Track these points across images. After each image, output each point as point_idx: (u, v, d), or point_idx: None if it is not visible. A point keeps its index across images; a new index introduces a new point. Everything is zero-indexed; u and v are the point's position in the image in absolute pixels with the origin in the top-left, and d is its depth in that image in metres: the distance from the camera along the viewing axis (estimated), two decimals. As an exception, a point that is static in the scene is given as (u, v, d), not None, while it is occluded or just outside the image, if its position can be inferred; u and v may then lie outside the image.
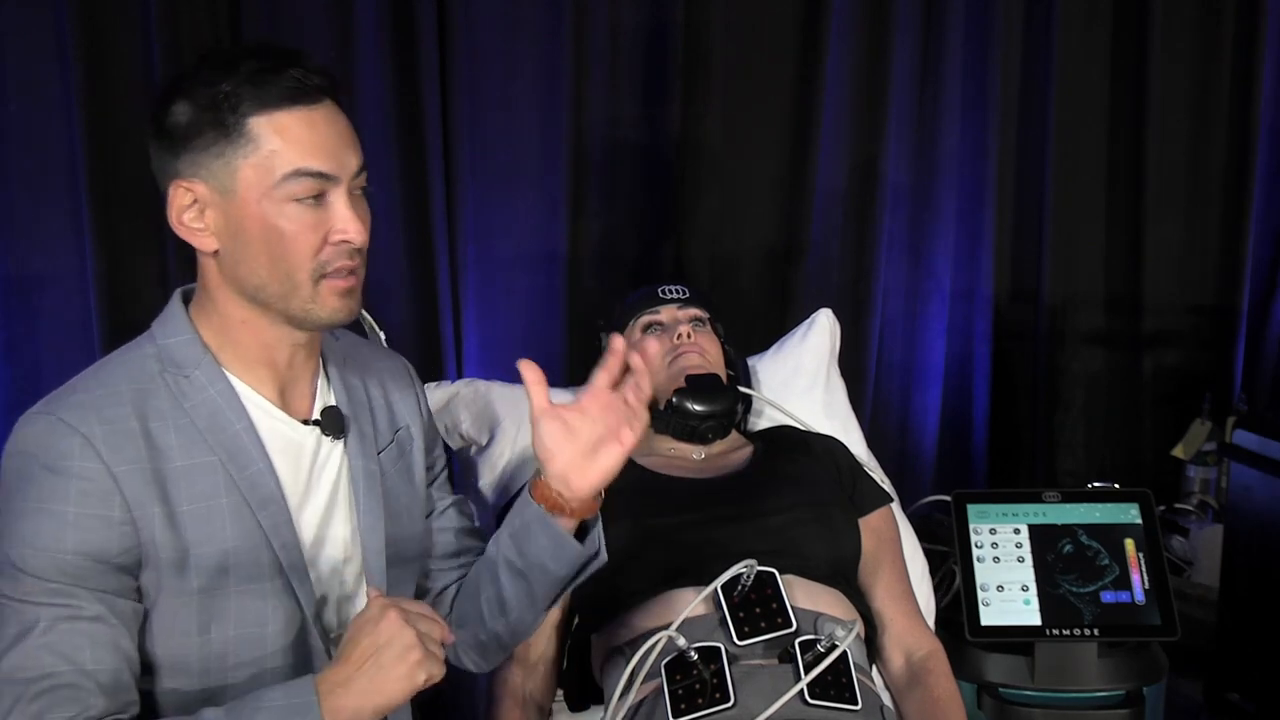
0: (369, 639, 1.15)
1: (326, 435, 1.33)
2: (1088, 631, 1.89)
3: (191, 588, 1.21)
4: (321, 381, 1.37)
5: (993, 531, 1.98)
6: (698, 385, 1.84)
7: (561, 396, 2.09)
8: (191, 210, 1.23)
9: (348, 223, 1.23)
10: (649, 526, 1.68)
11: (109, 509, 1.18)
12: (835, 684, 1.50)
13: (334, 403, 1.36)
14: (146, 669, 1.23)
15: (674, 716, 1.47)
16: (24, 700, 1.13)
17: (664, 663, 1.52)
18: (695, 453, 1.88)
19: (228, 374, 1.27)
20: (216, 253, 1.24)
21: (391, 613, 1.16)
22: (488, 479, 2.02)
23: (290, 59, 1.21)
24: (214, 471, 1.23)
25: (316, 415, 1.34)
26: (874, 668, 1.74)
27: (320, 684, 1.15)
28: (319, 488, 1.33)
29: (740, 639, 1.54)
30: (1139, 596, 1.92)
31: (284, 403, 1.31)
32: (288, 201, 1.21)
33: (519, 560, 1.38)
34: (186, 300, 1.32)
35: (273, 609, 1.26)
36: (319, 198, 1.22)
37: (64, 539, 1.16)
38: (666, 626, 1.54)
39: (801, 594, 1.62)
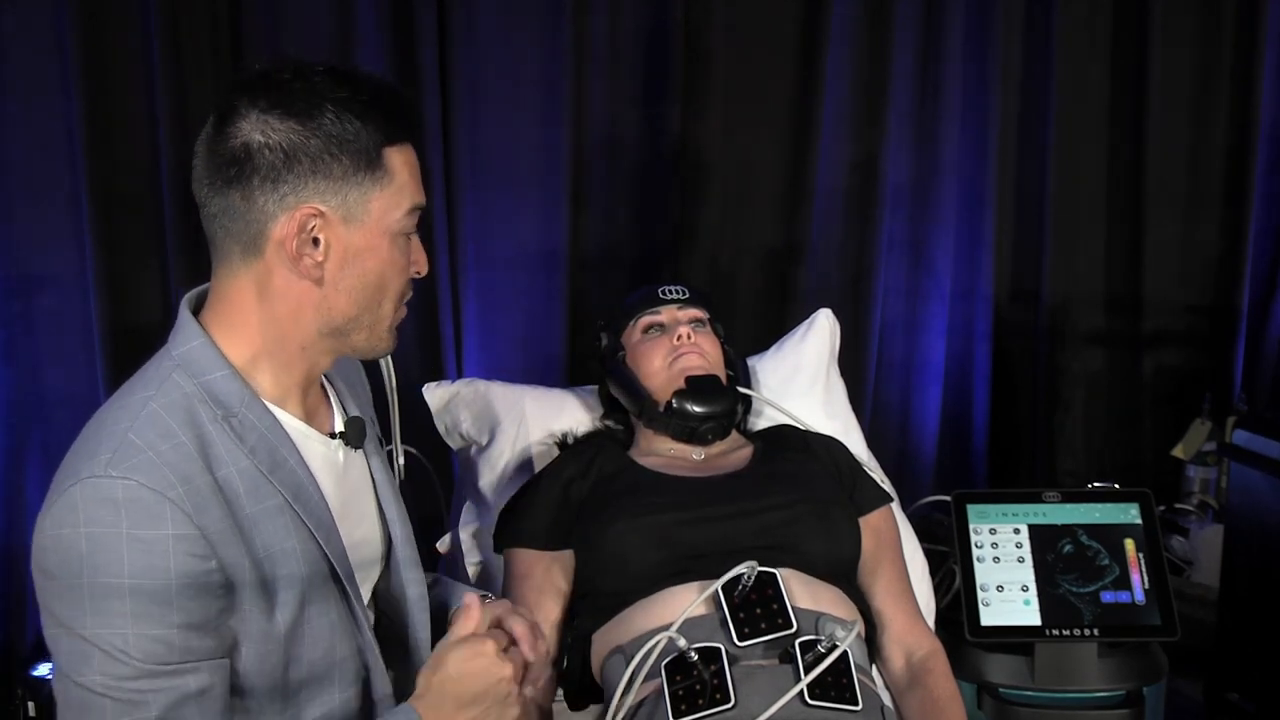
0: (480, 686, 1.19)
1: (349, 446, 1.33)
2: (1088, 631, 1.90)
3: (279, 631, 1.20)
4: (330, 392, 1.37)
5: (993, 531, 1.98)
6: (697, 386, 1.84)
7: (562, 396, 2.10)
8: (304, 235, 1.18)
9: (422, 256, 1.28)
10: (649, 525, 1.68)
11: (207, 575, 1.13)
12: (835, 684, 1.50)
13: (351, 413, 1.36)
14: (238, 695, 1.21)
15: (674, 717, 1.47)
16: None
17: (664, 663, 1.52)
18: (695, 453, 1.88)
19: (266, 404, 1.22)
20: (319, 280, 1.20)
21: (508, 670, 1.20)
22: (488, 479, 2.02)
23: (400, 92, 1.23)
24: (282, 512, 1.20)
25: (339, 427, 1.33)
26: (874, 667, 1.74)
27: (424, 714, 1.18)
28: (353, 499, 1.34)
29: (740, 640, 1.53)
30: (1139, 596, 1.92)
31: (310, 419, 1.29)
32: (401, 235, 1.24)
33: None
34: (194, 310, 1.26)
35: (340, 632, 1.27)
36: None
37: (169, 614, 1.10)
38: (667, 626, 1.54)
39: (802, 592, 1.62)
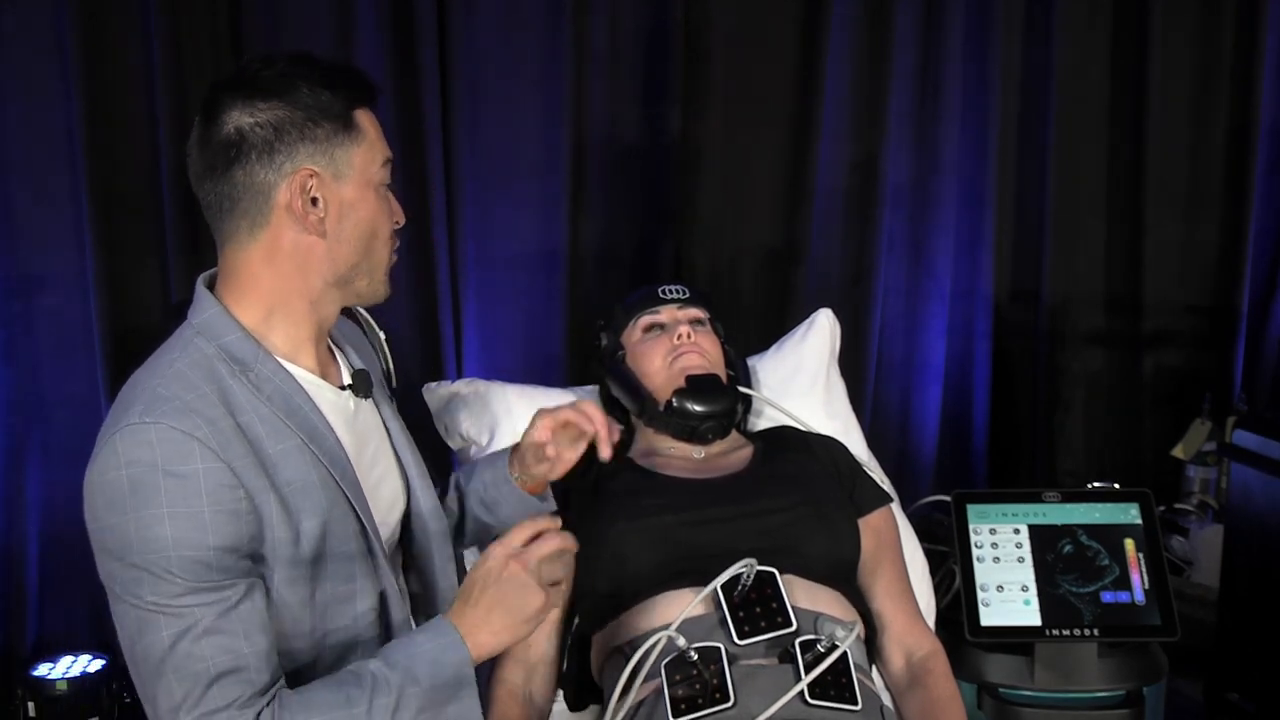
0: (495, 589, 1.32)
1: (359, 395, 1.45)
2: (1088, 631, 1.90)
3: (304, 558, 1.32)
4: (337, 353, 1.49)
5: (993, 531, 1.98)
6: (698, 386, 1.84)
7: (561, 397, 2.10)
8: (305, 195, 1.33)
9: (398, 208, 1.43)
10: (649, 526, 1.68)
11: (236, 502, 1.26)
12: (835, 684, 1.50)
13: (356, 365, 1.49)
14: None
15: (674, 717, 1.48)
16: (195, 692, 1.22)
17: (664, 663, 1.52)
18: (695, 452, 1.88)
19: (279, 360, 1.35)
20: (323, 233, 1.34)
21: (513, 565, 1.32)
22: (488, 479, 2.02)
23: (350, 64, 1.40)
24: (301, 451, 1.33)
25: (347, 379, 1.46)
26: (874, 668, 1.74)
27: (459, 625, 1.32)
28: (366, 447, 1.46)
29: (740, 639, 1.54)
30: (1139, 596, 1.92)
31: (321, 372, 1.41)
32: (380, 185, 1.39)
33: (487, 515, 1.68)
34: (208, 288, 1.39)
35: (359, 566, 1.38)
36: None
37: (205, 538, 1.23)
38: (666, 626, 1.54)
39: (801, 594, 1.62)
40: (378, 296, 1.43)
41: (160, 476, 1.22)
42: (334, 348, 1.49)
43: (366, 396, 1.47)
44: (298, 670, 1.35)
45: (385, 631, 1.43)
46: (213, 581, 1.24)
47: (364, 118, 1.37)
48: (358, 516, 1.38)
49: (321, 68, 1.35)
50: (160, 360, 1.32)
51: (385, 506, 1.49)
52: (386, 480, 1.50)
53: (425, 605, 1.57)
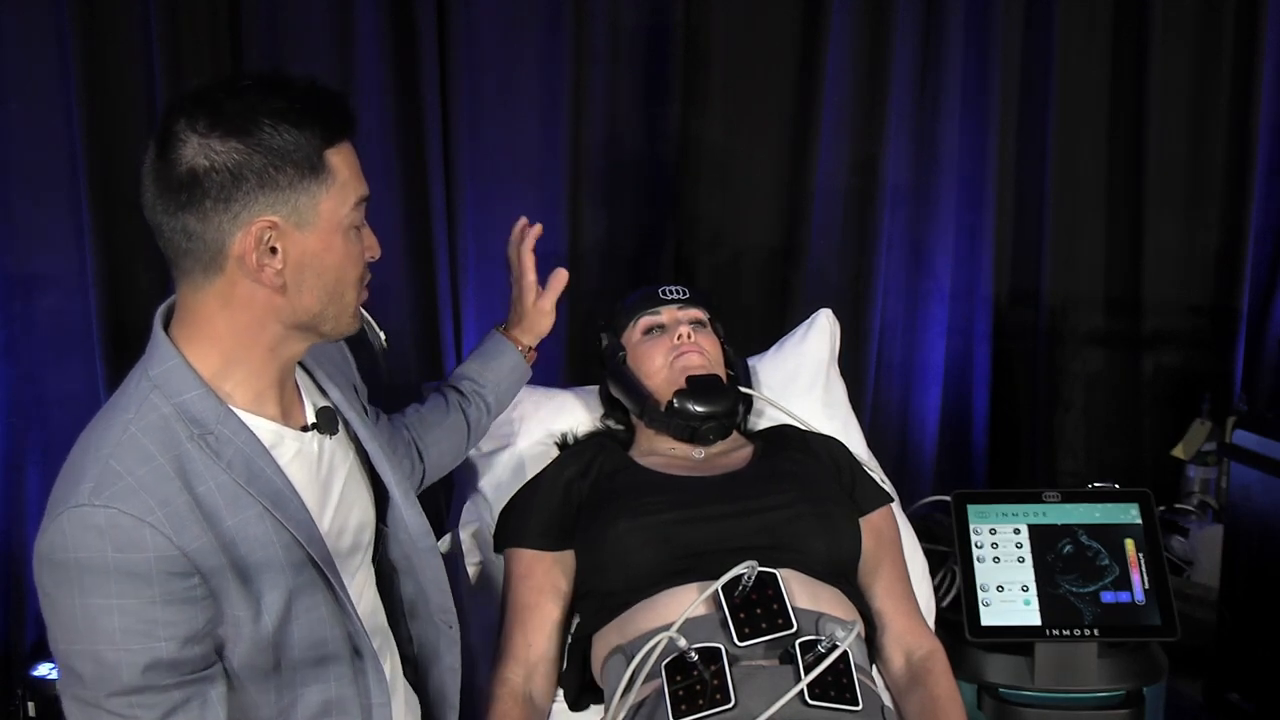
0: None
1: (323, 434, 1.37)
2: (1088, 631, 1.90)
3: (266, 631, 1.25)
4: (304, 380, 1.41)
5: (993, 531, 1.98)
6: (698, 386, 1.84)
7: (562, 396, 2.10)
8: (262, 247, 1.21)
9: (374, 240, 1.32)
10: (649, 525, 1.68)
11: (191, 589, 1.18)
12: (836, 684, 1.50)
13: (322, 402, 1.41)
14: (230, 685, 1.26)
15: (674, 717, 1.47)
16: None
17: (664, 663, 1.52)
18: (695, 452, 1.88)
19: (238, 413, 1.26)
20: (282, 287, 1.23)
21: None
22: (488, 479, 2.02)
23: (333, 92, 1.26)
24: (262, 519, 1.24)
25: (311, 419, 1.37)
26: (874, 667, 1.74)
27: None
28: (332, 487, 1.38)
29: (741, 640, 1.53)
30: (1139, 596, 1.92)
31: (285, 415, 1.33)
32: (351, 227, 1.27)
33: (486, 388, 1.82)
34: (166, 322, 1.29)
35: (329, 622, 1.31)
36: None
37: (156, 631, 1.16)
38: (667, 627, 1.54)
39: (802, 593, 1.62)
40: (342, 335, 1.34)
41: (110, 566, 1.14)
42: (298, 377, 1.39)
43: (332, 434, 1.38)
44: (264, 709, 1.29)
45: (363, 688, 1.36)
46: (160, 683, 1.17)
47: (336, 157, 1.24)
48: (325, 579, 1.30)
49: (291, 101, 1.21)
50: (114, 420, 1.21)
51: (355, 528, 1.42)
52: (355, 506, 1.42)
53: (421, 608, 1.52)
